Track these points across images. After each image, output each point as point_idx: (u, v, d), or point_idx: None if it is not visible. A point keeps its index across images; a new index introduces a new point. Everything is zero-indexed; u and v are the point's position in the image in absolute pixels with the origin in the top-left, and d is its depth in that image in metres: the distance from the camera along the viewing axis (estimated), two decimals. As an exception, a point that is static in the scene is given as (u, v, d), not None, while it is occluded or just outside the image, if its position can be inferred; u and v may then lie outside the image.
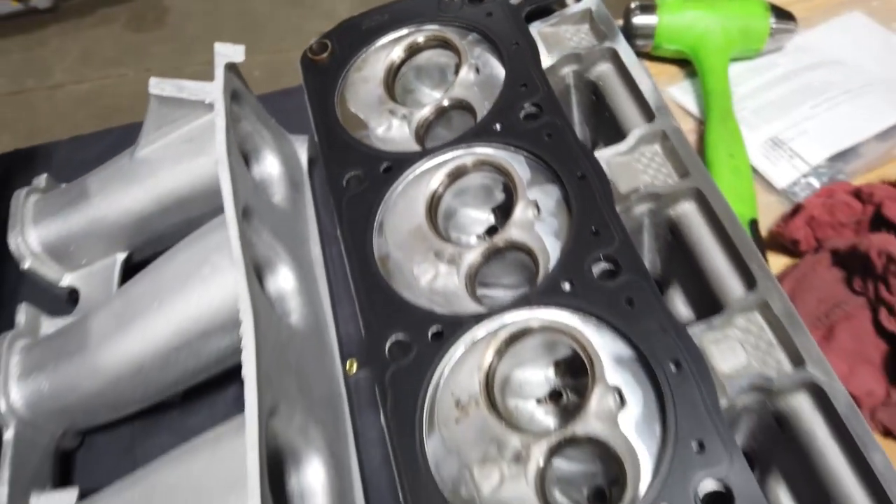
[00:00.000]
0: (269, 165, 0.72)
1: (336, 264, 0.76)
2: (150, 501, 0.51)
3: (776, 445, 0.50)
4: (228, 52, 0.65)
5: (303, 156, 0.78)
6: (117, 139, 0.80)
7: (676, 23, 0.90)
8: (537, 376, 0.56)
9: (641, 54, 0.94)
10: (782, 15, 0.90)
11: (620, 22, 0.92)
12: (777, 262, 0.76)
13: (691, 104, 0.90)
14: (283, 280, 0.66)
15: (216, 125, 0.59)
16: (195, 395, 0.68)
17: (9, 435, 0.58)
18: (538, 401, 0.55)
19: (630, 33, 0.91)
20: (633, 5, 0.90)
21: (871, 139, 0.83)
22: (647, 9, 0.90)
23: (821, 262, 0.70)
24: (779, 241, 0.76)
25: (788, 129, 0.85)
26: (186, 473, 0.50)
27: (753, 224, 0.76)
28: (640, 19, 0.90)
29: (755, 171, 0.82)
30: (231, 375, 0.62)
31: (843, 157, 0.82)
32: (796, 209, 0.74)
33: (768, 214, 0.79)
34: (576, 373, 0.53)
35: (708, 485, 0.43)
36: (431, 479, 0.46)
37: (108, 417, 0.63)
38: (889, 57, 0.92)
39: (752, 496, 0.42)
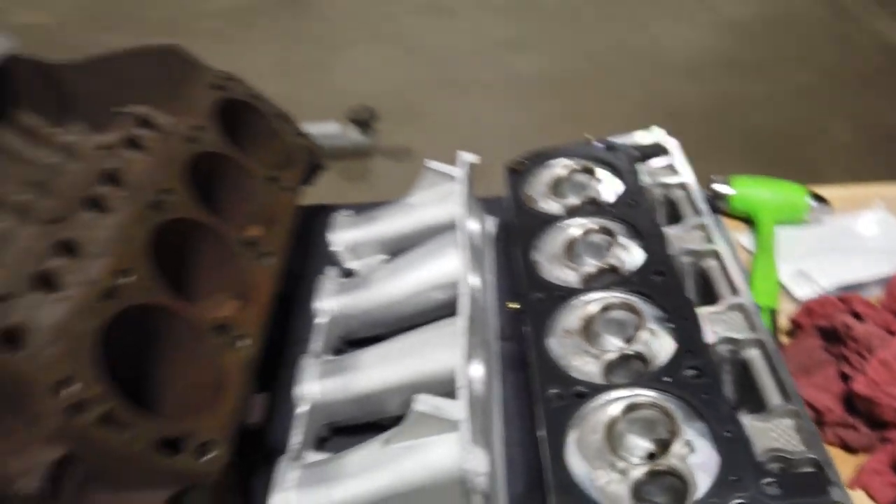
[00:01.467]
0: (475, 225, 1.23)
1: (499, 291, 1.22)
2: (388, 355, 0.97)
3: (744, 387, 0.89)
4: (468, 158, 1.19)
5: (490, 228, 1.28)
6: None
7: (742, 194, 1.36)
8: None
9: (721, 212, 1.40)
10: (819, 199, 1.34)
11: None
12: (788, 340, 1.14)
13: (750, 246, 1.34)
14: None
15: (458, 189, 1.11)
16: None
17: (322, 320, 1.07)
18: None
19: (713, 198, 1.38)
20: (713, 179, 1.38)
21: (869, 282, 1.22)
22: (724, 182, 1.37)
23: (810, 334, 1.08)
24: (791, 329, 1.15)
25: (813, 267, 1.25)
26: (414, 340, 0.96)
27: (773, 313, 1.16)
28: (718, 188, 1.37)
29: (783, 287, 1.23)
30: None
31: (846, 289, 1.21)
32: (802, 306, 1.14)
33: (789, 315, 1.18)
34: None
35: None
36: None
37: (371, 332, 1.11)
38: (898, 242, 1.32)
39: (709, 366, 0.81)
